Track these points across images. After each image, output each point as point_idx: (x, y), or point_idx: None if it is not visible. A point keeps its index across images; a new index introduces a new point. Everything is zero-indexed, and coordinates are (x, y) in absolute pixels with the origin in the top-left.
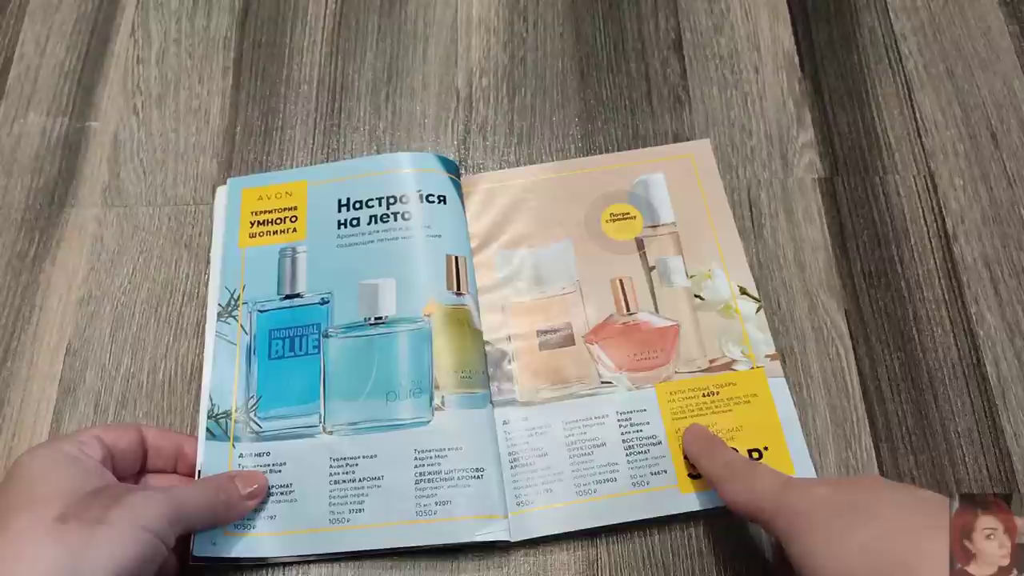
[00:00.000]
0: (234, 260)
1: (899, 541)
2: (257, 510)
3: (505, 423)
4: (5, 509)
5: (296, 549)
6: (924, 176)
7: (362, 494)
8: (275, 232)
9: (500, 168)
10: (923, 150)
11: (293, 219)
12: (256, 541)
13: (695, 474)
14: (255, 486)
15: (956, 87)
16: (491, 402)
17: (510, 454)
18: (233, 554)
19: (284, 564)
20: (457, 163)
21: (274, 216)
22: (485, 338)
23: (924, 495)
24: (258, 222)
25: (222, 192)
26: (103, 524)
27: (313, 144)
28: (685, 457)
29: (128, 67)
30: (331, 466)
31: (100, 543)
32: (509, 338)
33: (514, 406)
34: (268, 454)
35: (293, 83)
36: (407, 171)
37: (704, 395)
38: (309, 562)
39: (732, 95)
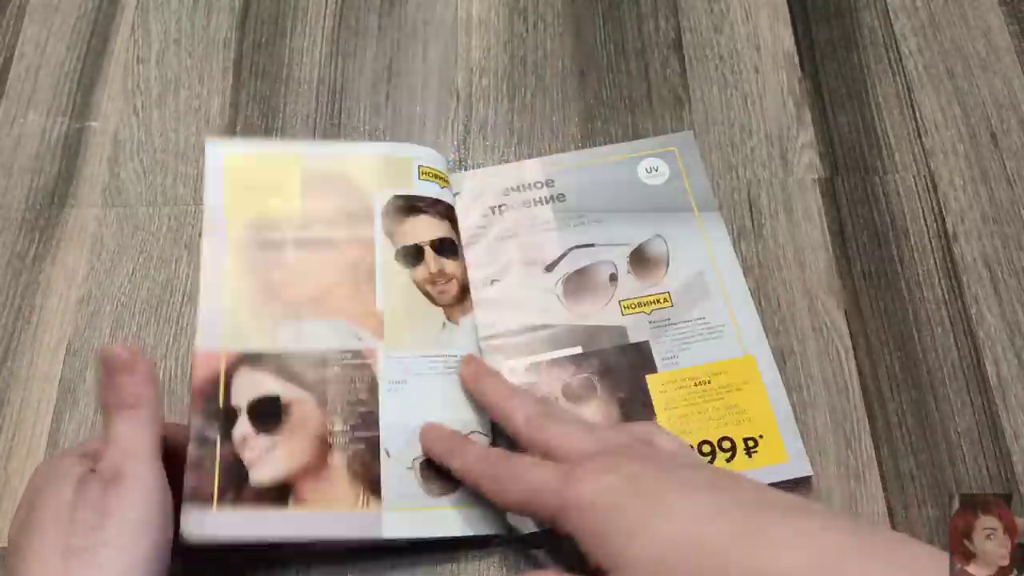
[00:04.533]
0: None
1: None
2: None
3: None
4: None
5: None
6: (924, 176)
7: None
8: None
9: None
10: (923, 150)
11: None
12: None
13: None
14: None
15: (956, 87)
16: None
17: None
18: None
19: (285, 561)
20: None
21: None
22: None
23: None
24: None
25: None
26: (103, 546)
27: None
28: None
29: (128, 67)
30: None
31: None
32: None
33: None
34: None
35: (293, 83)
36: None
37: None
38: (311, 560)
39: (732, 95)
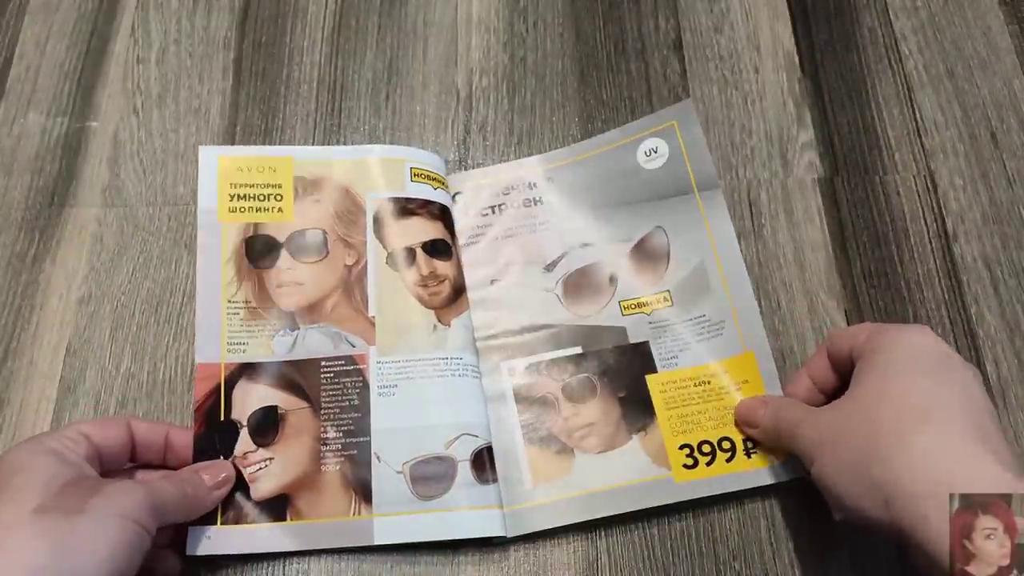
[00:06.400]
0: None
1: None
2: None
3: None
4: None
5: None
6: (924, 176)
7: None
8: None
9: None
10: (923, 150)
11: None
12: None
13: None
14: (221, 476)
15: (956, 87)
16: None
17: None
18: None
19: (285, 556)
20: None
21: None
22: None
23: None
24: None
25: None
26: (82, 514)
27: (313, 144)
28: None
29: (128, 67)
30: None
31: (80, 533)
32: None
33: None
34: None
35: (293, 83)
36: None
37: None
38: (311, 557)
39: (732, 95)
